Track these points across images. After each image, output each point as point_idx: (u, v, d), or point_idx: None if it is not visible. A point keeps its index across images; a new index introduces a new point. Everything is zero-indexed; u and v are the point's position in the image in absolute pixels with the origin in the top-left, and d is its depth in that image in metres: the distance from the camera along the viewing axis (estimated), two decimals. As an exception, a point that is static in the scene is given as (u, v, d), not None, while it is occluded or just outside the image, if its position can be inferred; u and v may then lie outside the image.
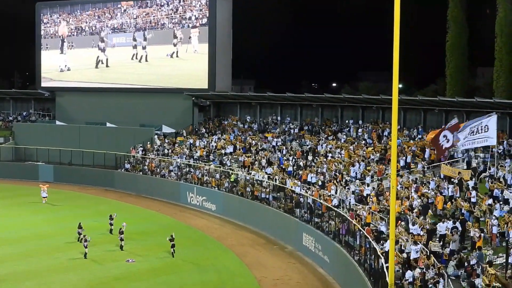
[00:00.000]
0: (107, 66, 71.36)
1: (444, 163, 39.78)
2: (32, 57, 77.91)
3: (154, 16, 68.28)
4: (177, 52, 66.76)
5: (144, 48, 68.91)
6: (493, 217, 29.43)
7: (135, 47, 69.37)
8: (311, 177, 45.56)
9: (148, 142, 62.89)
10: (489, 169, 37.73)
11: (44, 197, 52.37)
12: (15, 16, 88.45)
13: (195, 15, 65.32)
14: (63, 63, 74.56)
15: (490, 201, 31.86)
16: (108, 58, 71.46)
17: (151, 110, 68.28)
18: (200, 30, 64.82)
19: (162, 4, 67.47)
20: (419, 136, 48.85)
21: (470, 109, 48.35)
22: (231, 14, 65.72)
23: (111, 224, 42.18)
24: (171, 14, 66.96)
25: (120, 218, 43.32)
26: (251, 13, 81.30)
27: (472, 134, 35.75)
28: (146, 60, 68.78)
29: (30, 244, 39.88)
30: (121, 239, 38.46)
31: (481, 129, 33.71)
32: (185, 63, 66.33)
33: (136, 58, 69.28)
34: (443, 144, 37.06)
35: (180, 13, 66.29)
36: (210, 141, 60.63)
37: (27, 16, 79.17)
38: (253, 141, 57.61)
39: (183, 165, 56.49)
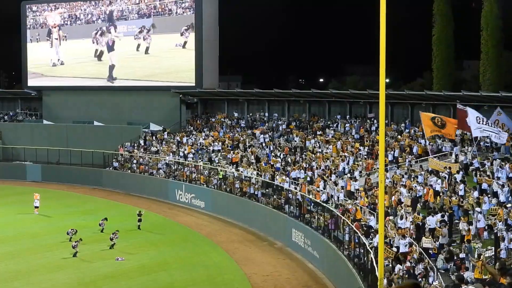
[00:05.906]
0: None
1: (431, 157, 39.85)
2: (18, 55, 77.22)
3: (160, 1, 66.48)
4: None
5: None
6: (477, 212, 29.40)
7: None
8: (297, 173, 45.37)
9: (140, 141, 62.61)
10: (477, 162, 37.84)
11: (36, 207, 48.42)
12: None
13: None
14: (55, 57, 72.81)
15: (476, 194, 31.95)
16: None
17: (138, 108, 67.99)
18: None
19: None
20: (407, 130, 48.94)
21: (457, 102, 48.38)
22: (217, 9, 65.45)
23: (101, 225, 42.08)
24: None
25: (109, 216, 43.21)
26: (237, 8, 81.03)
27: (483, 123, 35.65)
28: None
29: (18, 243, 39.70)
30: (111, 239, 38.32)
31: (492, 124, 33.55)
32: (172, 59, 66.04)
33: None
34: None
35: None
36: (198, 138, 60.47)
37: (13, 11, 78.05)
38: (241, 138, 57.50)
39: (171, 162, 56.36)
